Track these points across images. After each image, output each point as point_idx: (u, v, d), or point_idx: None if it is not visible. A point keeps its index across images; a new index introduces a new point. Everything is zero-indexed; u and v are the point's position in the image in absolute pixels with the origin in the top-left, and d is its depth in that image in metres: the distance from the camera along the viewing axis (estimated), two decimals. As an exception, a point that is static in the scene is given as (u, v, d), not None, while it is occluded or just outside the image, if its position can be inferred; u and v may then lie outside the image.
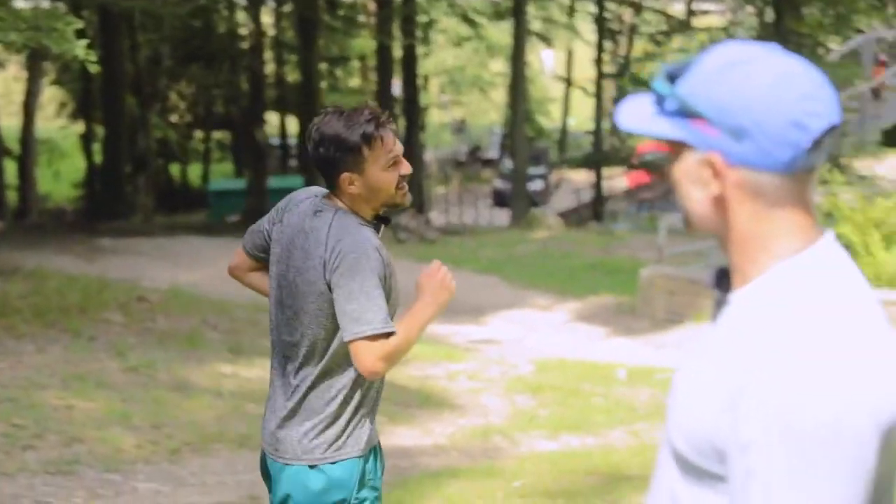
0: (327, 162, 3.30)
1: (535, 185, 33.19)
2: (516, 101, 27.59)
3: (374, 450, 3.46)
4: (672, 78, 1.72)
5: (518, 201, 27.39)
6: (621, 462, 7.07)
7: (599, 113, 33.34)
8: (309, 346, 3.34)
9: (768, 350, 1.59)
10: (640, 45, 33.22)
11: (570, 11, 32.19)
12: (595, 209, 31.70)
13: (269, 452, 3.42)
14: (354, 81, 38.88)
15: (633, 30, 29.89)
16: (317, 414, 3.33)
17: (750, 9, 26.05)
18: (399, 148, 3.34)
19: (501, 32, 38.76)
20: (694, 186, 1.73)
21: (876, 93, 27.73)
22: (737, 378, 1.60)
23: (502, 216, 29.84)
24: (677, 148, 1.73)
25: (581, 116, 46.25)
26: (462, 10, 33.17)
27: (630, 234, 24.27)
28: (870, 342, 1.59)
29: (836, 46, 29.51)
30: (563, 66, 39.37)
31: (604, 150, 33.68)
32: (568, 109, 42.08)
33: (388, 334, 3.21)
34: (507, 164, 35.03)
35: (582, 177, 36.94)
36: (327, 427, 3.34)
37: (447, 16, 34.53)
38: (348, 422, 3.35)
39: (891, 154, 34.10)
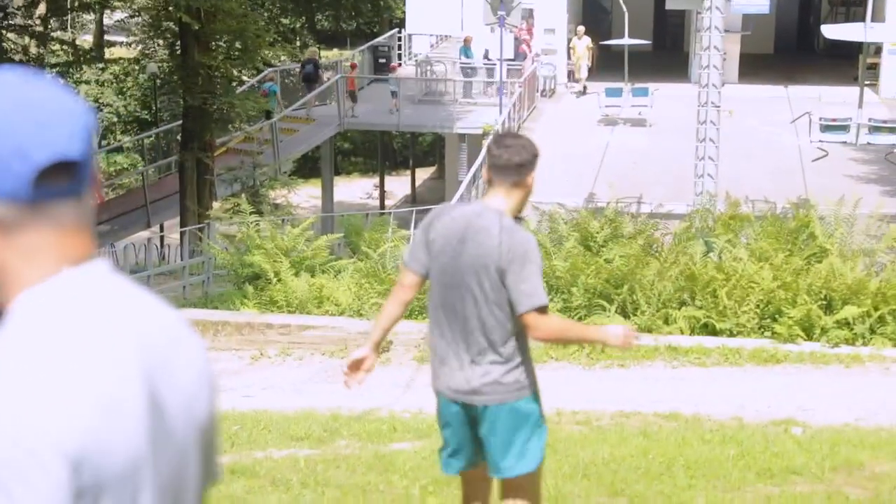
0: (523, 165, 4.50)
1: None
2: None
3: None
4: None
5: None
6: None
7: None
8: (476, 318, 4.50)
9: None
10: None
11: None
12: None
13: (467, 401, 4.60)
14: None
15: (39, 61, 28.98)
16: None
17: (160, 41, 26.18)
18: None
19: None
20: None
21: (352, 95, 29.67)
22: None
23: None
24: None
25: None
26: None
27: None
28: (66, 371, 1.58)
29: (247, 78, 30.49)
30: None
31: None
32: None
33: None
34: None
35: None
36: None
37: None
38: None
39: (304, 184, 35.79)
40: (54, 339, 1.61)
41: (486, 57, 31.28)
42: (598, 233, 14.20)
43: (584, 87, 31.82)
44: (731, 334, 12.20)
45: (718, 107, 18.99)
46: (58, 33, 31.64)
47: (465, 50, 31.63)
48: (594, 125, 28.58)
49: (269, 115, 29.56)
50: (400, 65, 32.72)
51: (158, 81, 25.99)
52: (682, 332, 12.24)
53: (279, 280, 13.97)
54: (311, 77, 31.16)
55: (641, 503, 6.80)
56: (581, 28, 31.92)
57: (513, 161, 4.50)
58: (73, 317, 1.65)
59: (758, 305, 12.32)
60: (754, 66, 33.13)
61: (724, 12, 19.18)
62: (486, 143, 4.65)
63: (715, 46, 18.76)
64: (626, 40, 29.94)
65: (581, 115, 29.46)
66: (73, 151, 1.64)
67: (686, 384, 10.76)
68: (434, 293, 4.61)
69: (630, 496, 6.89)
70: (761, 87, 31.52)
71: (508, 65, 28.90)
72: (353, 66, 31.65)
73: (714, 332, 12.30)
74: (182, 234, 22.83)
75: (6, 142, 1.61)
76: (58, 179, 1.64)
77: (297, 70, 33.11)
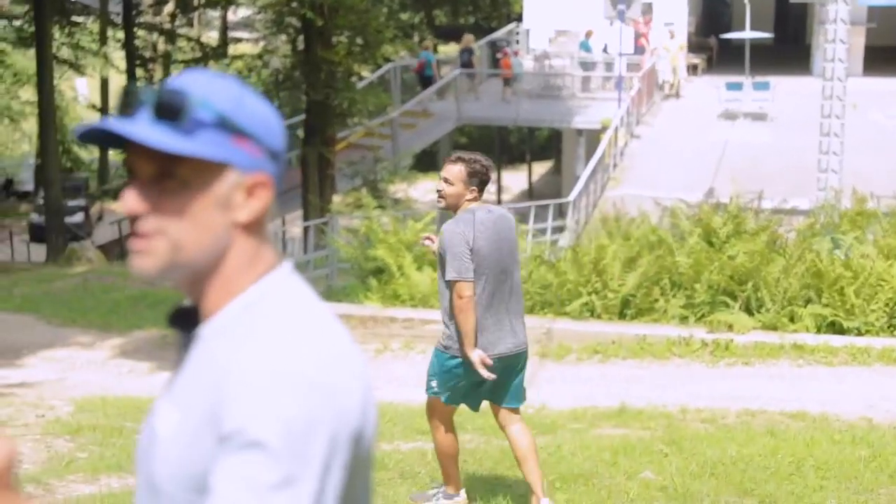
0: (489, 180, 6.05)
1: (75, 218, 31.83)
2: (46, 131, 26.28)
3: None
4: (178, 97, 1.60)
5: (54, 235, 26.08)
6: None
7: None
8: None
9: (242, 366, 1.56)
10: (176, 73, 32.88)
11: (102, 38, 31.26)
12: (138, 240, 30.97)
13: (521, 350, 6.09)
14: None
15: (167, 57, 29.59)
16: None
17: (283, 37, 26.56)
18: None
19: (29, 60, 37.09)
20: (214, 211, 1.65)
21: (507, 80, 30.23)
22: (212, 400, 1.57)
23: (41, 251, 28.45)
24: (193, 169, 1.62)
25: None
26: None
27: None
28: (342, 361, 1.61)
29: (367, 74, 30.76)
30: (97, 94, 38.15)
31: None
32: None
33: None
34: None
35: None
36: None
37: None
38: None
39: (422, 178, 36.02)
40: (317, 331, 1.63)
41: (604, 51, 31.09)
42: (720, 228, 14.06)
43: (677, 91, 31.12)
44: (860, 333, 11.99)
45: (843, 101, 18.63)
46: (184, 30, 32.35)
47: (585, 44, 31.47)
48: (714, 120, 28.23)
49: (427, 82, 30.07)
50: (517, 52, 32.79)
51: (280, 77, 26.38)
52: (807, 331, 12.06)
53: (402, 274, 14.10)
54: (467, 65, 31.59)
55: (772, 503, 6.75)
56: (672, 28, 31.39)
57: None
58: (312, 312, 1.66)
59: (887, 304, 12.08)
60: (879, 59, 32.34)
61: (850, 4, 18.80)
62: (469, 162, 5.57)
63: (840, 39, 18.41)
64: (748, 33, 29.50)
65: (701, 110, 29.10)
66: (283, 151, 1.73)
67: (812, 383, 10.60)
68: (490, 281, 5.91)
69: (760, 496, 6.82)
70: (887, 80, 30.76)
71: (627, 59, 28.68)
72: (504, 53, 31.78)
73: (841, 331, 12.09)
74: (305, 228, 23.15)
75: (281, 142, 1.71)
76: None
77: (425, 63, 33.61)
